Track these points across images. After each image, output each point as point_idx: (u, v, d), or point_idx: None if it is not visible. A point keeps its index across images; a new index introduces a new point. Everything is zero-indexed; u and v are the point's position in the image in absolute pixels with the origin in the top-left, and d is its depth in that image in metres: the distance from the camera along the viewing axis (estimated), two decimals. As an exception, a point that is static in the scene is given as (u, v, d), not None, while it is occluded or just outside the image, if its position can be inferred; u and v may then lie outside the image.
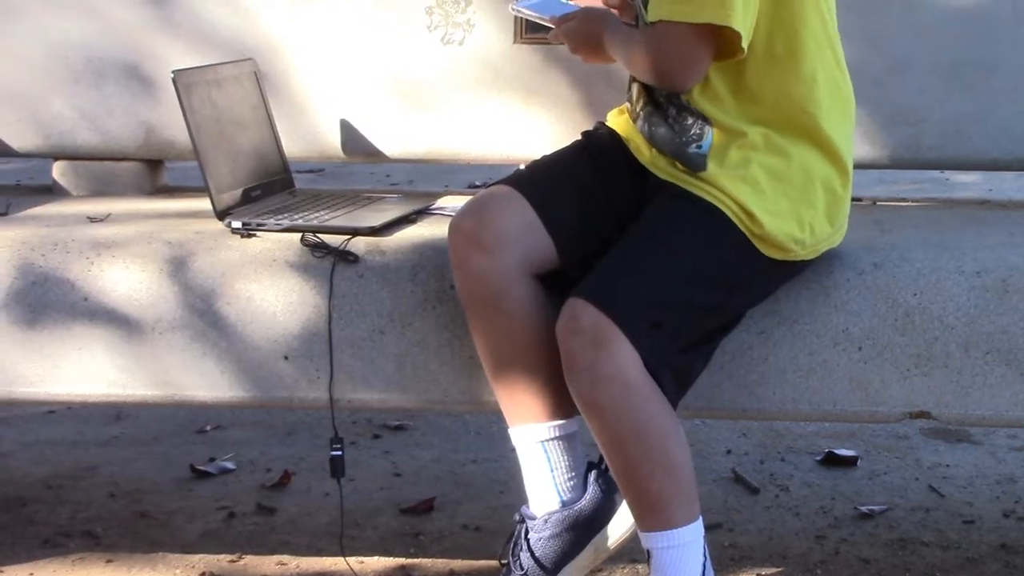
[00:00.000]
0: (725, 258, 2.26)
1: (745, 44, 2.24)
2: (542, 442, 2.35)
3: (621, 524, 2.37)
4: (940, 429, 3.49)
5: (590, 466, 2.38)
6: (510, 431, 2.38)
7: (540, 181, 2.39)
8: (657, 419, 2.19)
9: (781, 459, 3.38)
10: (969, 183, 5.89)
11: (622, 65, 2.39)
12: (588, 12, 2.45)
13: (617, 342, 2.15)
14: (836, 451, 3.38)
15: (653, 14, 2.26)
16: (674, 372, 2.22)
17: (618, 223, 2.32)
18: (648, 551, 2.24)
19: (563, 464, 2.36)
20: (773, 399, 2.43)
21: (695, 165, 2.30)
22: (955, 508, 3.09)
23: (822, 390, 2.42)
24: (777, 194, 2.28)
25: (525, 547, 2.37)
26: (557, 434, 2.35)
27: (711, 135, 2.31)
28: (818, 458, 3.38)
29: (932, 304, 2.38)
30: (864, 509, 3.07)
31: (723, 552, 2.84)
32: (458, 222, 2.34)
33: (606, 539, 2.39)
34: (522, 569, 2.36)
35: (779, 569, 2.79)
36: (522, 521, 2.39)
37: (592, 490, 2.36)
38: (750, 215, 2.25)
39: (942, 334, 2.39)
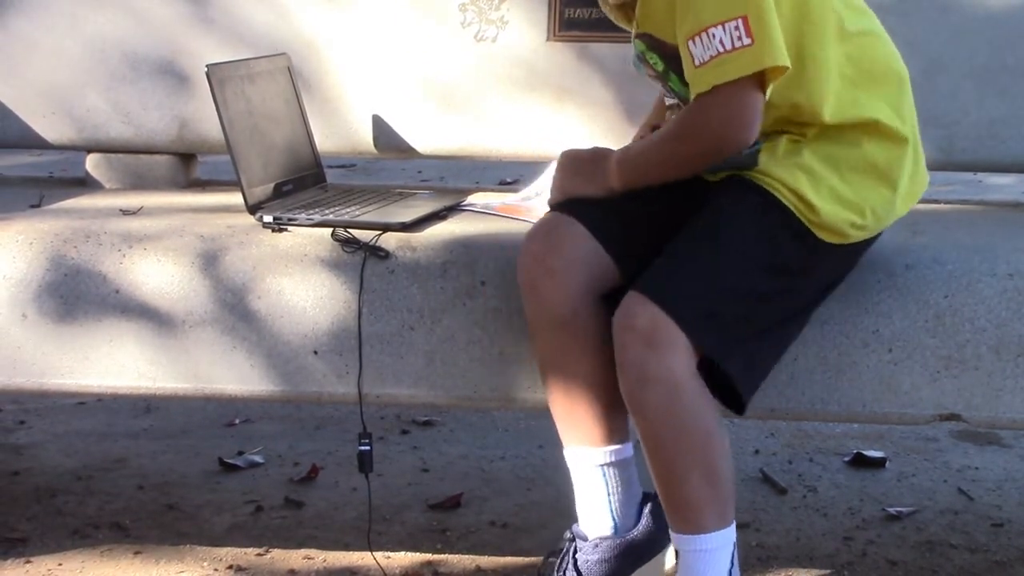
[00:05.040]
0: (781, 245, 2.24)
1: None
2: (601, 466, 2.35)
3: (668, 559, 2.37)
4: (969, 432, 3.48)
5: (646, 497, 2.38)
6: (565, 451, 2.38)
7: (598, 202, 2.35)
8: (701, 422, 2.19)
9: (809, 459, 3.38)
10: (1003, 185, 5.86)
11: (654, 172, 2.32)
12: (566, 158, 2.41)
13: (671, 340, 2.15)
14: (864, 452, 3.37)
15: (703, 83, 2.21)
16: (740, 361, 2.21)
17: (678, 226, 2.30)
18: (677, 550, 2.25)
19: (619, 490, 2.36)
20: (802, 399, 2.43)
21: (747, 165, 2.29)
22: (984, 511, 3.07)
23: (851, 391, 2.41)
24: (834, 179, 2.27)
25: (572, 566, 2.37)
26: (614, 459, 2.35)
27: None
28: (846, 459, 3.37)
29: (963, 306, 2.38)
30: (892, 511, 3.06)
31: (750, 552, 2.83)
32: (527, 246, 2.33)
33: (652, 571, 2.39)
34: None
35: (806, 570, 2.79)
36: (572, 540, 2.39)
37: (646, 520, 2.37)
38: (806, 203, 2.25)
39: (973, 336, 2.38)
